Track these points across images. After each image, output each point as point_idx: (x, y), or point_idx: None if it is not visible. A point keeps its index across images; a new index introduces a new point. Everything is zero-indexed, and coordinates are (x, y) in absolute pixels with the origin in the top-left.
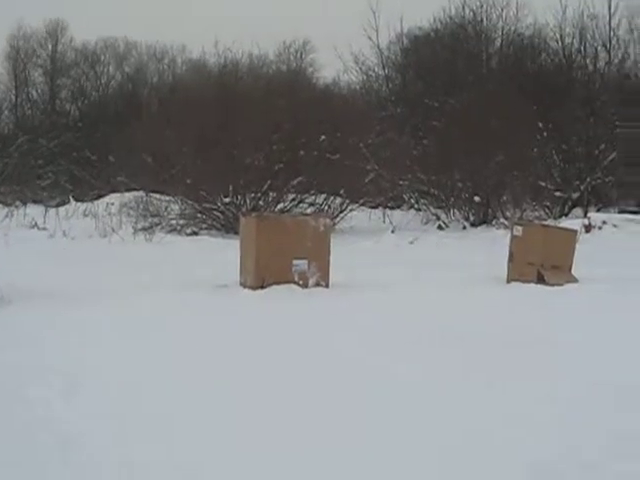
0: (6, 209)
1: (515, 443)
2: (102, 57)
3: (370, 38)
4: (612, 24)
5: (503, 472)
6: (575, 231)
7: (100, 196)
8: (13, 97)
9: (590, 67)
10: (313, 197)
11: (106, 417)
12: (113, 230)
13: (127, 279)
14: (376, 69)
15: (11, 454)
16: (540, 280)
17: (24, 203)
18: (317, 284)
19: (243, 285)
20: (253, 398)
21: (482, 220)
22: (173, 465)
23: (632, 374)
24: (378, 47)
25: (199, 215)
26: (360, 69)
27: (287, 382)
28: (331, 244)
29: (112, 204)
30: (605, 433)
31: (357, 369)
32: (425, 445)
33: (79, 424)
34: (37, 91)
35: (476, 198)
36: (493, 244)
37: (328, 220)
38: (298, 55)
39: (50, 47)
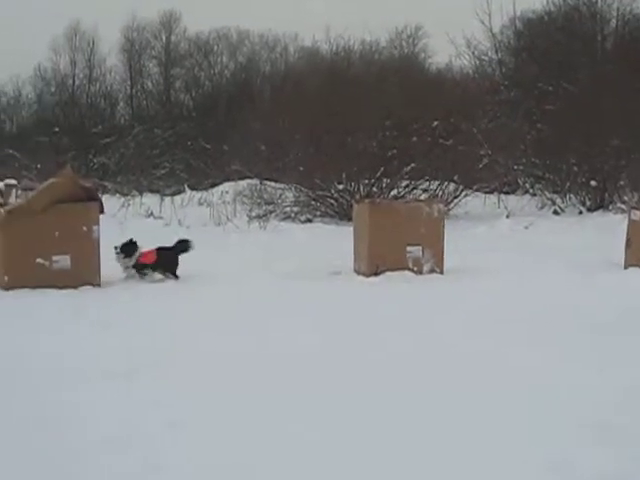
0: (123, 198)
1: None
2: (215, 47)
3: (483, 22)
4: None
5: None
6: None
7: (215, 184)
8: (128, 88)
9: None
10: (427, 183)
11: None
12: (228, 218)
13: (242, 266)
14: (489, 53)
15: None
16: None
17: (140, 192)
18: (431, 270)
19: (357, 272)
20: (370, 382)
21: (599, 205)
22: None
23: None
24: (491, 31)
25: (313, 202)
26: (473, 54)
27: (402, 365)
28: (445, 230)
29: (226, 192)
30: None
31: (484, 359)
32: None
33: None
34: (152, 82)
35: (592, 182)
36: (610, 229)
37: (442, 206)
38: (410, 41)
39: (164, 38)
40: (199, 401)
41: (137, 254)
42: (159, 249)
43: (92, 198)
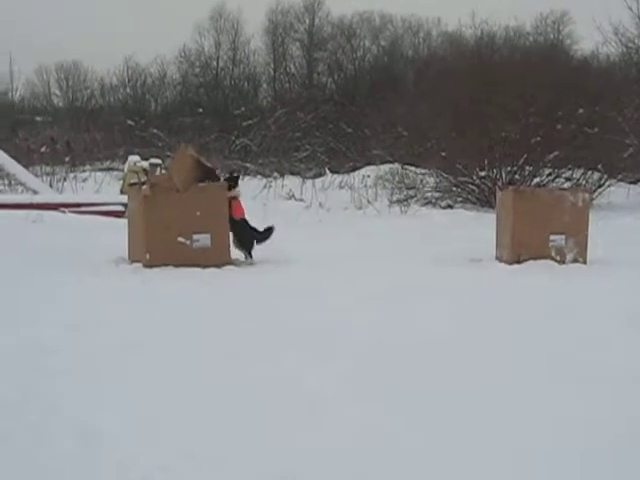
0: (264, 180)
1: None
2: (358, 31)
3: (630, 9)
4: None
5: None
6: None
7: (355, 168)
8: (272, 71)
9: None
10: (570, 172)
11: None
12: (368, 202)
13: (379, 250)
14: (636, 41)
15: None
16: None
17: (282, 174)
18: (575, 260)
19: (499, 259)
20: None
21: None
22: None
23: None
24: (639, 18)
25: (454, 188)
26: (620, 41)
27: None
28: (589, 220)
29: (368, 176)
30: None
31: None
32: None
33: None
34: (295, 65)
35: None
36: None
37: (587, 195)
38: (555, 27)
39: (307, 21)
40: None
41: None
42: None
43: (214, 179)
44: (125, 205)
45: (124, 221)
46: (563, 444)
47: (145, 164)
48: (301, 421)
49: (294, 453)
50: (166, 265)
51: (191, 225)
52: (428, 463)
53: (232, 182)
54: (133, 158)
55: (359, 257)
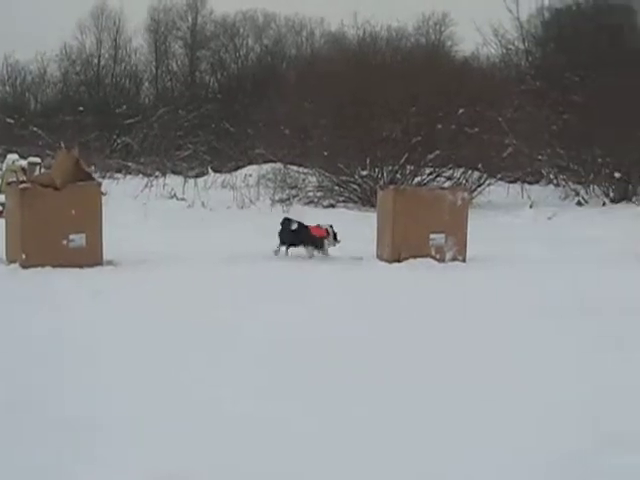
0: (146, 179)
1: None
2: (241, 29)
3: (510, 11)
4: None
5: None
6: None
7: (238, 167)
8: (154, 69)
9: None
10: (450, 171)
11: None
12: (251, 201)
13: (261, 250)
14: (516, 43)
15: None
16: None
17: (163, 174)
18: (454, 258)
19: (379, 258)
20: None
21: (623, 197)
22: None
23: None
24: (518, 20)
25: (336, 188)
26: (499, 42)
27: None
28: (468, 218)
29: (250, 175)
30: None
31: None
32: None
33: None
34: (177, 63)
35: (617, 174)
36: (634, 221)
37: (466, 194)
38: (437, 28)
39: (190, 19)
40: None
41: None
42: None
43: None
44: (3, 205)
45: (2, 221)
46: (452, 431)
47: (24, 163)
48: (200, 417)
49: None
50: (43, 266)
51: (67, 225)
52: (322, 447)
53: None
54: (11, 157)
55: (241, 256)
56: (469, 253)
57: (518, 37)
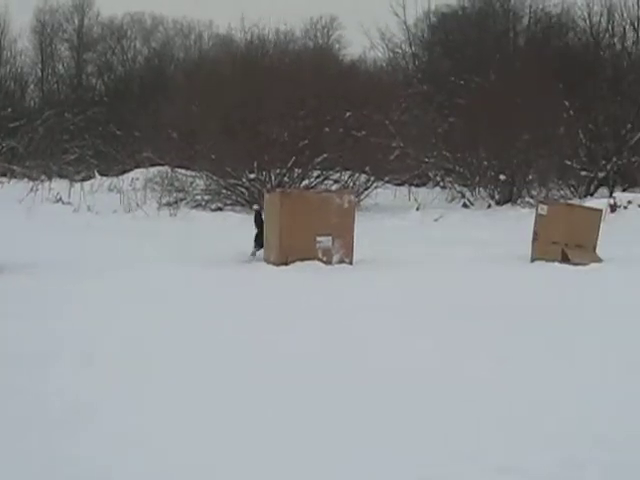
0: (31, 183)
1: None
2: (129, 32)
3: (397, 15)
4: None
5: None
6: (600, 211)
7: (125, 171)
8: (39, 71)
9: (618, 46)
10: (338, 174)
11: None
12: (138, 205)
13: (148, 253)
14: (403, 46)
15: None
16: (564, 259)
17: (49, 177)
18: (341, 261)
19: (267, 261)
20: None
21: (507, 199)
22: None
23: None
24: (405, 24)
25: (224, 191)
26: (387, 46)
27: (299, 351)
28: (356, 221)
29: (137, 179)
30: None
31: (378, 343)
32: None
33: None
34: (63, 65)
35: (502, 176)
36: (518, 223)
37: (352, 197)
38: (325, 31)
39: (76, 21)
40: None
41: None
42: None
43: None
44: None
45: None
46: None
47: None
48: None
49: None
50: None
51: None
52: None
53: None
54: None
55: (125, 261)
56: (356, 256)
57: (405, 41)
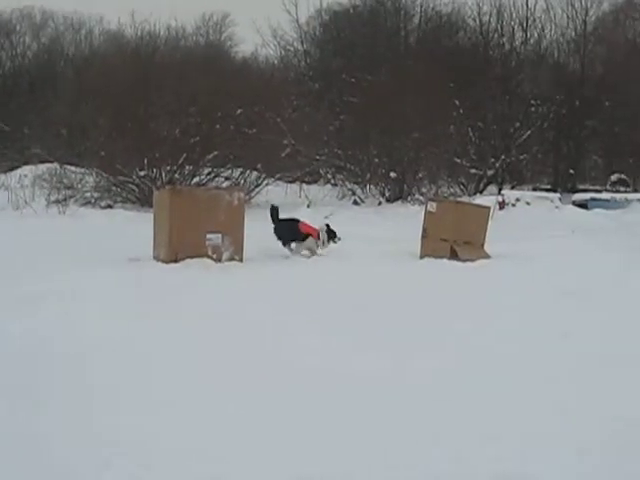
0: None
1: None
2: (18, 27)
3: (289, 13)
4: (529, 4)
5: None
6: (488, 208)
7: (13, 168)
8: None
9: (507, 46)
10: (229, 171)
11: None
12: (26, 202)
13: (35, 252)
14: (295, 44)
15: None
16: (453, 256)
17: None
18: (231, 258)
19: (156, 259)
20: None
21: (398, 196)
22: None
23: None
24: (297, 22)
25: (114, 188)
26: (279, 44)
27: (196, 346)
28: (246, 218)
29: (25, 176)
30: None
31: (267, 341)
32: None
33: None
34: None
35: (392, 174)
36: (408, 220)
37: (242, 194)
38: (217, 28)
39: None
40: None
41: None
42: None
43: None
44: None
45: None
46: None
47: None
48: None
49: None
50: None
51: None
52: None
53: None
54: None
55: (21, 258)
56: (246, 253)
57: (297, 39)
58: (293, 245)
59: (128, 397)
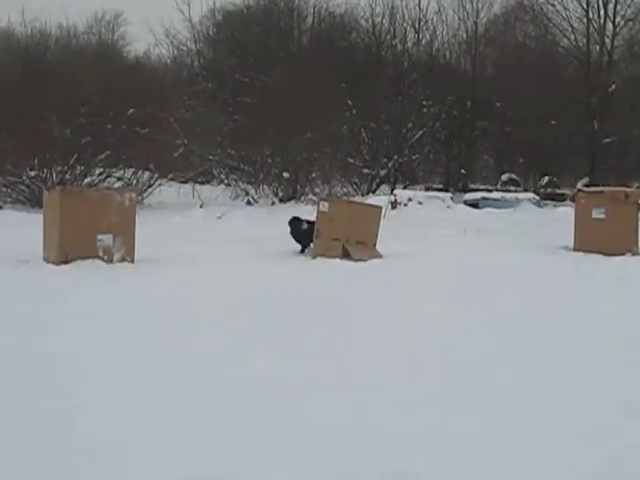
0: None
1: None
2: None
3: (182, 12)
4: (421, 5)
5: None
6: (380, 207)
7: None
8: None
9: (399, 47)
10: (121, 171)
11: None
12: None
13: None
14: (188, 44)
15: None
16: (345, 255)
17: None
18: (122, 259)
19: (46, 260)
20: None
21: (291, 196)
22: None
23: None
24: (190, 21)
25: (4, 189)
26: (172, 43)
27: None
28: (138, 219)
29: None
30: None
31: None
32: None
33: None
34: None
35: (285, 174)
36: None
37: (134, 194)
38: (110, 27)
39: None
40: None
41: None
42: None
43: None
44: None
45: None
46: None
47: None
48: None
49: None
50: None
51: None
52: None
53: None
54: None
55: None
56: (138, 254)
57: (190, 38)
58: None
59: None
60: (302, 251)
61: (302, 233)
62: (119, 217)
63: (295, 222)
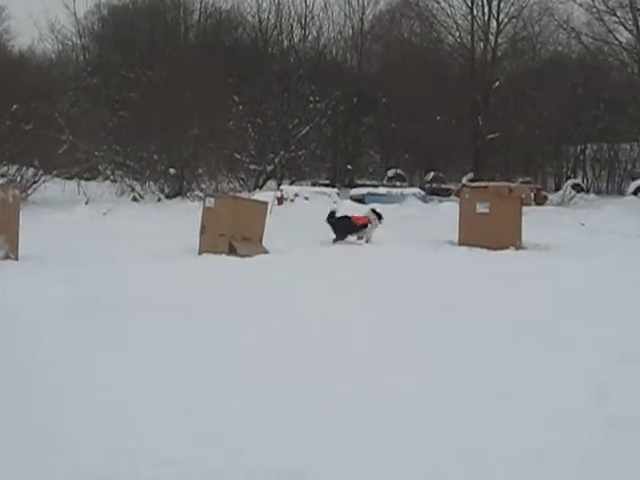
0: None
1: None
2: None
3: (67, 7)
4: (307, 1)
5: None
6: (265, 203)
7: None
8: None
9: (286, 42)
10: (5, 168)
11: None
12: None
13: None
14: (73, 39)
15: None
16: (232, 251)
17: None
18: (6, 257)
19: None
20: None
21: (177, 192)
22: None
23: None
24: (75, 16)
25: None
26: (56, 38)
27: None
28: (23, 216)
29: None
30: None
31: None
32: None
33: None
34: None
35: (171, 170)
36: (187, 216)
37: (17, 191)
38: None
39: None
40: None
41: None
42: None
43: None
44: None
45: None
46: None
47: None
48: None
49: None
50: None
51: None
52: None
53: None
54: None
55: None
56: (23, 251)
57: (75, 33)
58: (350, 238)
59: None
60: (335, 240)
61: (335, 223)
62: (2, 214)
63: (332, 215)
